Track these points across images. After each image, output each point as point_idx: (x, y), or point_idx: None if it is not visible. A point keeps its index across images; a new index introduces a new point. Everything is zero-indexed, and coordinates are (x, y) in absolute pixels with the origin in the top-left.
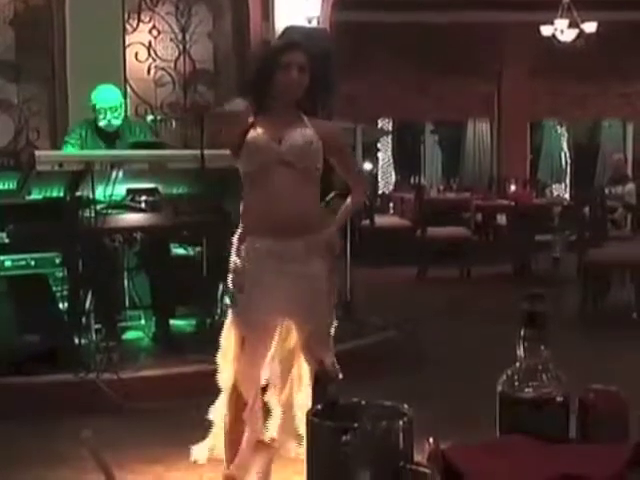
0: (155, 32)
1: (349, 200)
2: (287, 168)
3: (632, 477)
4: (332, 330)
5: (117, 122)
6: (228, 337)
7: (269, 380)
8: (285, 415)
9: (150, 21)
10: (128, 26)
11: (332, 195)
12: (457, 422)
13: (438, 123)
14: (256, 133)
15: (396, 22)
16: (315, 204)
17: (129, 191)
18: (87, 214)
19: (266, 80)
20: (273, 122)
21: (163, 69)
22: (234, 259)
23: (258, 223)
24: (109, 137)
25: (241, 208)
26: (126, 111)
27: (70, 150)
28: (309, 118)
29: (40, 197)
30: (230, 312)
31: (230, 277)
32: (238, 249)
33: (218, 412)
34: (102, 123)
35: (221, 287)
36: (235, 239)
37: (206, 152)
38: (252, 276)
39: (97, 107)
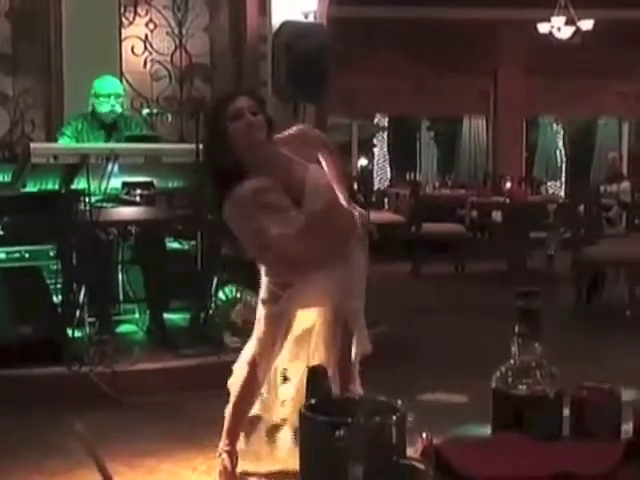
0: (151, 25)
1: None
2: (314, 213)
3: (629, 472)
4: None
5: (119, 109)
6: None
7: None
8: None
9: (146, 14)
10: (124, 19)
11: None
12: (451, 418)
13: (434, 119)
14: (273, 205)
15: (393, 18)
16: (342, 204)
17: (124, 184)
18: (82, 207)
19: (222, 138)
20: (273, 179)
21: (159, 63)
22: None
23: (306, 263)
24: (106, 128)
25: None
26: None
27: (66, 143)
28: (280, 143)
29: (35, 190)
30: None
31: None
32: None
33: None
34: (105, 109)
35: (215, 281)
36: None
37: (202, 146)
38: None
39: (100, 93)
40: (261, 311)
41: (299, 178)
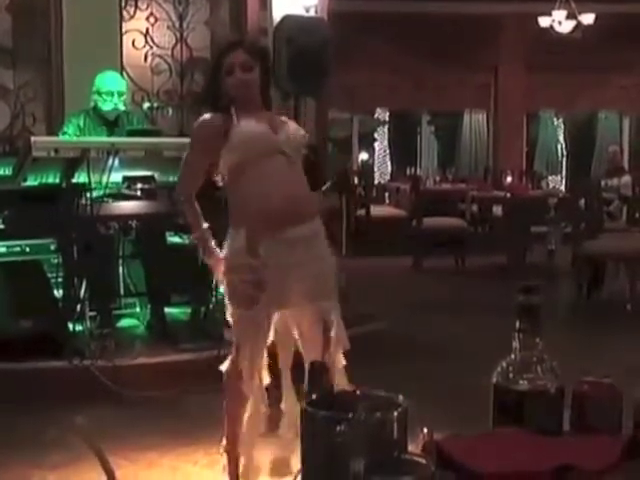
0: (152, 19)
1: None
2: (283, 157)
3: (629, 466)
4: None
5: (121, 107)
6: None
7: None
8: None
9: (147, 8)
10: (125, 13)
11: (328, 185)
12: (452, 413)
13: (435, 114)
14: (247, 124)
15: (394, 12)
16: (309, 190)
17: (125, 178)
18: (83, 201)
19: (217, 89)
20: (250, 116)
21: (160, 57)
22: (247, 260)
23: (267, 216)
24: (109, 124)
25: (234, 205)
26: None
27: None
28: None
29: (36, 183)
30: (242, 312)
31: (241, 277)
32: (253, 249)
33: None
34: (108, 107)
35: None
36: (242, 239)
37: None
38: (272, 271)
39: (102, 90)
40: (233, 314)
41: (280, 127)
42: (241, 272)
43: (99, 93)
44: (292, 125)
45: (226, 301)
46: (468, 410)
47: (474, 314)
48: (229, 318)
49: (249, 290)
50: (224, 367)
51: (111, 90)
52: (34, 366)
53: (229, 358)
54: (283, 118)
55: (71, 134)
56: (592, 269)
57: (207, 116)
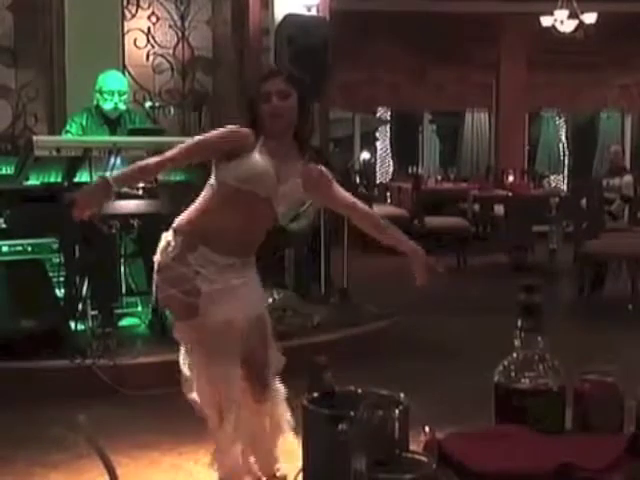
0: (154, 18)
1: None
2: (268, 205)
3: (631, 465)
4: None
5: (123, 106)
6: (193, 353)
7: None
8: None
9: (149, 7)
10: (127, 12)
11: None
12: (453, 411)
13: (436, 113)
14: (260, 161)
15: (395, 11)
16: (261, 238)
17: None
18: None
19: (254, 114)
20: (270, 152)
21: (162, 56)
22: (180, 268)
23: (222, 241)
24: (110, 123)
25: (195, 214)
26: (127, 100)
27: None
28: (303, 159)
29: (38, 182)
30: (186, 324)
31: (174, 285)
32: (183, 257)
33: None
34: (109, 106)
35: None
36: (178, 245)
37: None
38: (209, 281)
39: (104, 90)
40: (180, 331)
41: (288, 178)
42: (177, 284)
43: (101, 92)
44: (296, 184)
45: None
46: (470, 408)
47: (476, 313)
48: (177, 337)
49: (187, 300)
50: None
51: (112, 89)
52: (36, 365)
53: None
54: (301, 168)
55: (74, 133)
56: (594, 268)
57: (242, 129)
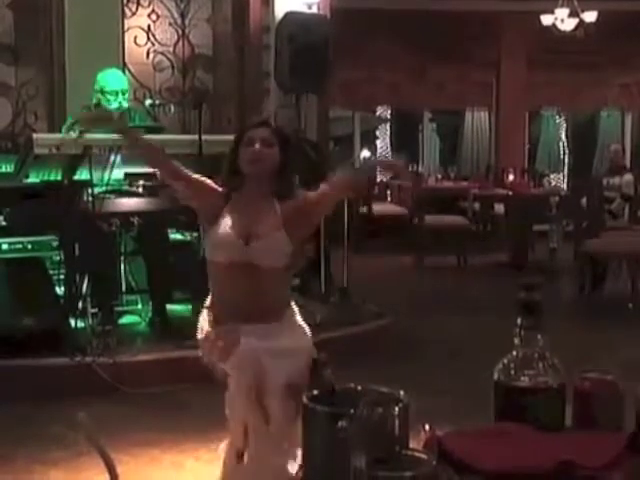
0: (154, 16)
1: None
2: (252, 268)
3: (631, 463)
4: None
5: (125, 105)
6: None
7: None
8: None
9: (149, 5)
10: (127, 10)
11: None
12: (453, 409)
13: (436, 111)
14: (225, 226)
15: (396, 10)
16: (277, 299)
17: (127, 175)
18: (84, 198)
19: (233, 158)
20: (243, 209)
21: (162, 53)
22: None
23: (225, 315)
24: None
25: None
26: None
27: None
28: (280, 202)
29: (38, 180)
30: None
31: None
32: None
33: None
34: (112, 106)
35: None
36: (206, 321)
37: (204, 138)
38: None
39: (107, 90)
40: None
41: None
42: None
43: (103, 92)
44: (273, 235)
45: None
46: (469, 406)
47: (475, 312)
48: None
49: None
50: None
51: (116, 89)
52: (36, 363)
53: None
54: (277, 208)
55: (75, 131)
56: (594, 267)
57: (218, 188)
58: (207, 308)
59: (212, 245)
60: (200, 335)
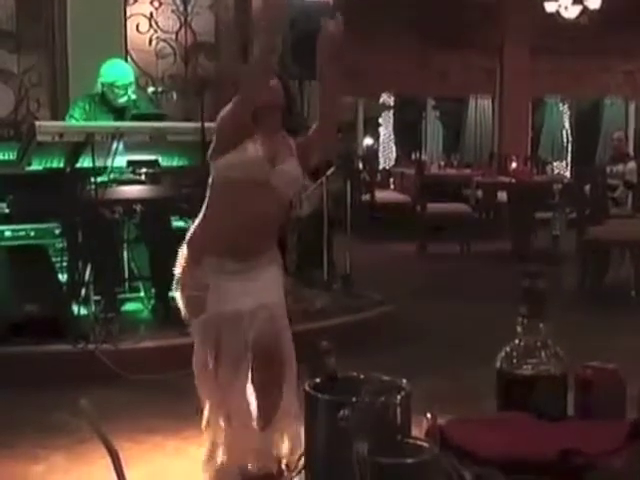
0: (156, 3)
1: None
2: (269, 190)
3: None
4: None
5: (133, 97)
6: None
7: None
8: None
9: None
10: None
11: (332, 170)
12: (455, 398)
13: (440, 99)
14: (252, 147)
15: None
16: (272, 234)
17: (129, 163)
18: (87, 185)
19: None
20: (263, 139)
21: (164, 41)
22: (190, 278)
23: (220, 243)
24: (118, 111)
25: (199, 224)
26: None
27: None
28: (291, 136)
29: (40, 168)
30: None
31: (186, 289)
32: (192, 269)
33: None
34: (123, 100)
35: None
36: (187, 257)
37: (207, 125)
38: (215, 284)
39: (117, 84)
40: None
41: (280, 158)
42: (189, 288)
43: (113, 86)
44: (292, 162)
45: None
46: (471, 394)
47: (478, 299)
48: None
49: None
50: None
51: (125, 84)
52: (39, 350)
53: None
54: (292, 145)
55: (78, 118)
56: (597, 255)
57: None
58: (188, 243)
59: (237, 162)
60: (179, 274)
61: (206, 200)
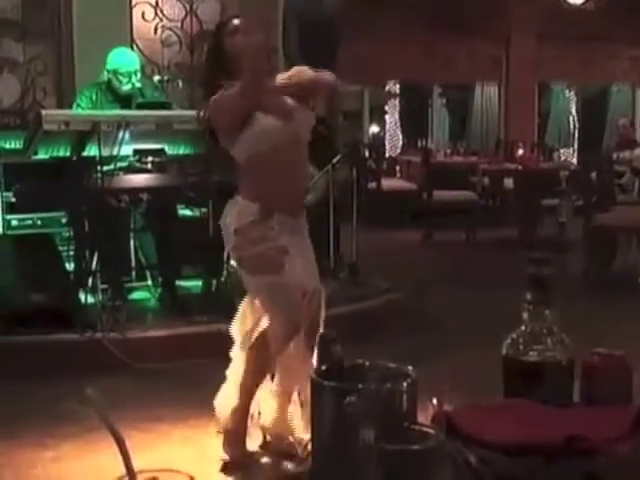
0: None
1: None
2: (295, 144)
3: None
4: None
5: (138, 85)
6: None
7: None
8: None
9: None
10: None
11: (338, 158)
12: (461, 384)
13: (446, 86)
14: (263, 117)
15: None
16: (305, 183)
17: (136, 151)
18: (93, 174)
19: (220, 54)
20: (264, 103)
21: (170, 29)
22: (263, 230)
23: (275, 202)
24: (124, 99)
25: (248, 184)
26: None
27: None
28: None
29: (46, 157)
30: (267, 280)
31: (259, 244)
32: (263, 221)
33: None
34: (127, 87)
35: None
36: (256, 211)
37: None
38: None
39: (122, 71)
40: (260, 284)
41: (290, 111)
42: (261, 242)
43: (117, 73)
44: (300, 108)
45: (247, 273)
46: (478, 381)
47: (484, 286)
48: (254, 290)
49: (275, 256)
50: (252, 336)
51: (130, 71)
52: (46, 339)
53: (257, 330)
54: (288, 99)
55: (84, 107)
56: (603, 242)
57: (223, 95)
58: (253, 198)
59: (256, 136)
60: (235, 225)
61: (243, 181)
